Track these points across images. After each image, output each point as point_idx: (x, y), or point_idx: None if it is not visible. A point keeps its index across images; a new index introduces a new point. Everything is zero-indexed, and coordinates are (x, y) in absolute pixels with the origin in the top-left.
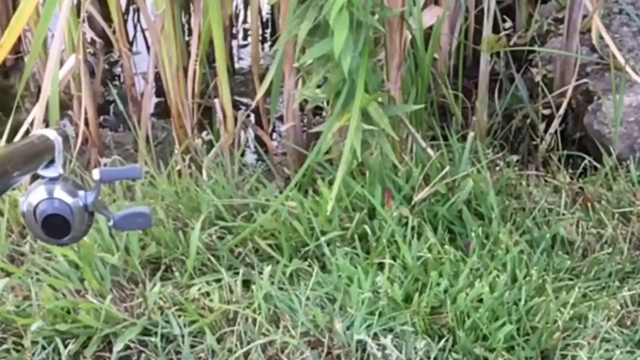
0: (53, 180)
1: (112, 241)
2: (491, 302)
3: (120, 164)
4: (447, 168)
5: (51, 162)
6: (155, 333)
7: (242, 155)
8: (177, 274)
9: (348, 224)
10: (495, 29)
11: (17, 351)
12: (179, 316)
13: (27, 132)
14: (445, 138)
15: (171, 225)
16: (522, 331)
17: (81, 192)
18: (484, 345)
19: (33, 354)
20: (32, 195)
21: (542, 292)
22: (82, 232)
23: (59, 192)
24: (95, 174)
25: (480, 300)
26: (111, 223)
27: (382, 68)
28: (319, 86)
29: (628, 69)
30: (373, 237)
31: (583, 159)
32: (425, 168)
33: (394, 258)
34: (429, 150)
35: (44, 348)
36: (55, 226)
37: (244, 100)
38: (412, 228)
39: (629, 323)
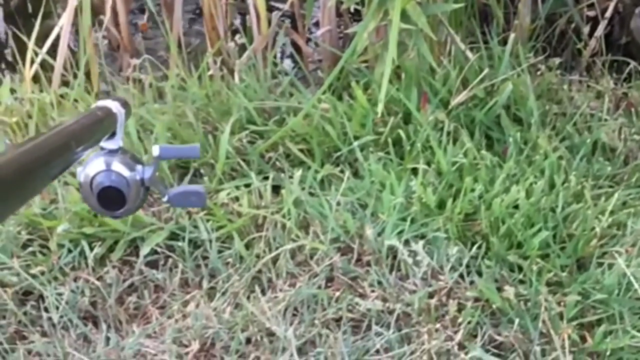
0: (112, 152)
1: (141, 144)
2: (527, 208)
3: (151, 66)
4: (486, 71)
5: (112, 134)
6: (183, 238)
7: (275, 60)
8: (205, 178)
9: (382, 128)
10: None
11: (43, 254)
12: (207, 221)
13: (58, 36)
14: (485, 43)
15: (201, 129)
16: (558, 238)
17: (139, 166)
18: (517, 252)
19: (59, 257)
20: (90, 167)
21: (580, 198)
22: (137, 206)
23: (117, 165)
24: (155, 150)
25: (516, 207)
26: (165, 199)
27: None
28: None
29: None
30: (407, 142)
31: (628, 64)
32: (464, 71)
33: (428, 163)
34: (468, 53)
35: (70, 251)
36: (111, 198)
37: (280, 5)
38: (448, 133)
39: None
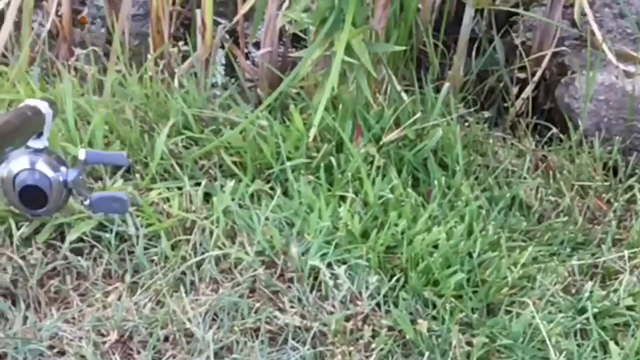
0: (38, 152)
1: (78, 134)
2: (446, 249)
3: (94, 56)
4: (419, 115)
5: (40, 134)
6: (111, 230)
7: (214, 76)
8: (138, 175)
9: (315, 153)
10: None
11: None
12: (137, 217)
13: (1, 17)
14: (420, 88)
15: (138, 127)
16: (472, 282)
17: (63, 168)
18: (433, 290)
19: None
20: (14, 164)
21: (496, 248)
22: (58, 207)
23: (42, 165)
24: (81, 154)
25: (436, 247)
26: (87, 203)
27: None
28: (305, 12)
29: (605, 48)
30: (338, 170)
31: (550, 129)
32: (398, 111)
33: (356, 193)
34: (403, 95)
35: None
36: (32, 197)
37: (223, 21)
38: (378, 168)
39: (574, 291)
